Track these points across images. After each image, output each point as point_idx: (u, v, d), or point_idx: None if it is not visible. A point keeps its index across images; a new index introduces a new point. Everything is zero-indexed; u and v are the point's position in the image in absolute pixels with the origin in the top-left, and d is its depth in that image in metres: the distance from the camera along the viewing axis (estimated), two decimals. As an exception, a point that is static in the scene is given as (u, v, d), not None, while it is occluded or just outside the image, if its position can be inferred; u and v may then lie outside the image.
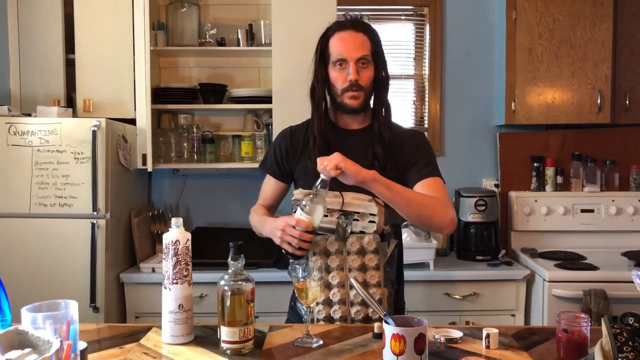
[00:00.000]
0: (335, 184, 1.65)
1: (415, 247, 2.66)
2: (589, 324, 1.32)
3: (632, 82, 2.97)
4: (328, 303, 1.68)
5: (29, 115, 2.62)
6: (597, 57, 2.92)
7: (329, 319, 1.68)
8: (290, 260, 1.65)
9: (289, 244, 1.59)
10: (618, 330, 1.02)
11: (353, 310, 1.68)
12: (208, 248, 2.62)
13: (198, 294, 2.59)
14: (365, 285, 1.68)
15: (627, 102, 2.95)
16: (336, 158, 1.52)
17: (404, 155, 1.74)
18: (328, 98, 1.79)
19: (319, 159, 1.54)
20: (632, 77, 2.97)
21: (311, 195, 1.54)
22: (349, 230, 1.68)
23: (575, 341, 1.30)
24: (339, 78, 1.72)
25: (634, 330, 1.03)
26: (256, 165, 2.92)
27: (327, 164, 1.50)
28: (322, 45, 1.76)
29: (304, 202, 1.55)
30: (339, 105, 1.75)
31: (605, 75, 2.92)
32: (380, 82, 1.76)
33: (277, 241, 1.62)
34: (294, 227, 1.56)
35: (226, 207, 3.23)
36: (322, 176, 1.52)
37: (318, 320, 1.68)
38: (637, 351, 0.98)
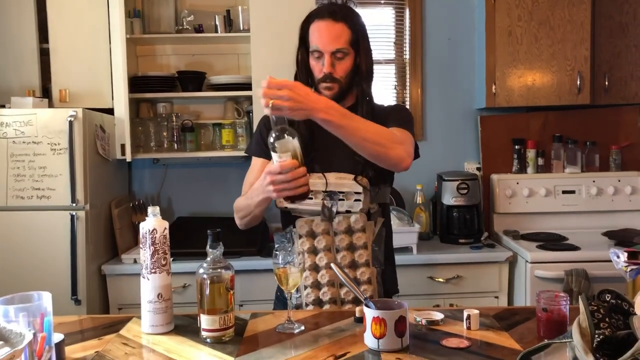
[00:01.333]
0: (316, 165, 1.64)
1: (398, 231, 2.65)
2: (568, 303, 1.33)
3: (610, 63, 2.98)
4: (316, 286, 1.67)
5: (3, 106, 2.57)
6: (576, 39, 2.92)
7: (318, 302, 1.67)
8: (275, 245, 1.59)
9: (287, 190, 1.44)
10: (595, 307, 1.02)
11: (342, 291, 1.67)
12: (190, 238, 2.61)
13: (181, 283, 2.57)
14: (354, 265, 1.67)
15: (607, 83, 2.97)
16: (288, 87, 1.37)
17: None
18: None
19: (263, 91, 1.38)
20: (610, 58, 2.98)
21: (275, 134, 1.39)
22: (335, 210, 1.66)
23: (555, 320, 1.31)
24: (315, 67, 1.70)
25: (611, 307, 1.03)
26: (238, 153, 2.90)
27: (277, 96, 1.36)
28: (303, 30, 1.73)
29: (272, 141, 1.40)
30: (317, 93, 1.72)
31: (584, 57, 2.92)
32: (361, 71, 1.72)
33: (274, 196, 1.48)
34: (280, 173, 1.42)
35: (208, 196, 3.21)
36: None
37: (307, 305, 1.67)
38: (614, 327, 0.98)
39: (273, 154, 1.42)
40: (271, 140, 1.41)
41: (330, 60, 1.66)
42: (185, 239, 2.62)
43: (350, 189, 1.66)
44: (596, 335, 0.95)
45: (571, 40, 2.92)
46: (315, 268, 1.67)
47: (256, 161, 1.78)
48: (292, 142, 1.40)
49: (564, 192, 3.09)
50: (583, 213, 3.09)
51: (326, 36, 1.66)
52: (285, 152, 1.40)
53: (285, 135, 1.39)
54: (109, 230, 2.78)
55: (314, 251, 1.67)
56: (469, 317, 1.39)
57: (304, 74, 1.73)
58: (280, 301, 1.80)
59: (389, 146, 1.53)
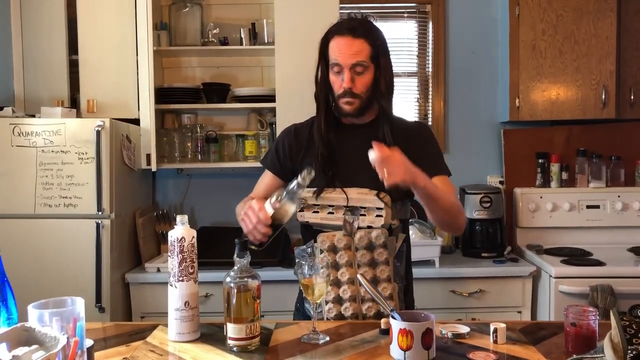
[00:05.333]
0: (337, 181, 1.67)
1: (421, 244, 2.65)
2: (597, 318, 1.31)
3: (636, 77, 2.95)
4: (338, 301, 1.67)
5: (33, 116, 2.62)
6: (601, 53, 2.90)
7: (340, 317, 1.66)
8: (297, 259, 1.60)
9: (245, 225, 1.54)
10: (627, 323, 1.01)
11: (364, 307, 1.67)
12: (213, 248, 2.62)
13: (203, 293, 2.59)
14: (375, 280, 1.67)
15: (632, 97, 2.94)
16: (403, 170, 1.49)
17: (411, 151, 1.62)
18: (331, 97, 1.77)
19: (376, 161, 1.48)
20: (636, 72, 2.95)
21: (292, 189, 1.50)
22: (356, 226, 1.67)
23: (584, 335, 1.29)
24: (335, 82, 1.70)
25: (643, 322, 1.02)
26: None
27: (392, 176, 1.47)
28: (323, 46, 1.73)
29: (278, 195, 1.51)
30: (337, 107, 1.73)
31: (610, 71, 2.90)
32: (381, 86, 1.70)
33: (239, 219, 1.56)
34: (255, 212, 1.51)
35: (231, 206, 3.16)
36: (299, 179, 1.49)
37: (329, 319, 1.66)
38: (646, 343, 0.97)
39: (274, 196, 1.52)
40: (284, 193, 1.51)
41: (349, 75, 1.65)
42: (208, 248, 2.63)
43: (372, 205, 1.66)
44: (629, 351, 0.94)
45: (596, 55, 2.90)
46: (336, 283, 1.67)
47: (267, 173, 1.84)
48: (292, 207, 1.52)
49: (588, 206, 3.05)
50: (608, 228, 3.05)
51: (347, 51, 1.64)
52: (282, 205, 1.50)
53: (295, 199, 1.51)
54: (133, 239, 2.81)
55: (335, 266, 1.67)
56: (495, 330, 1.38)
57: (323, 89, 1.73)
58: (300, 312, 1.80)
59: (456, 217, 1.70)
